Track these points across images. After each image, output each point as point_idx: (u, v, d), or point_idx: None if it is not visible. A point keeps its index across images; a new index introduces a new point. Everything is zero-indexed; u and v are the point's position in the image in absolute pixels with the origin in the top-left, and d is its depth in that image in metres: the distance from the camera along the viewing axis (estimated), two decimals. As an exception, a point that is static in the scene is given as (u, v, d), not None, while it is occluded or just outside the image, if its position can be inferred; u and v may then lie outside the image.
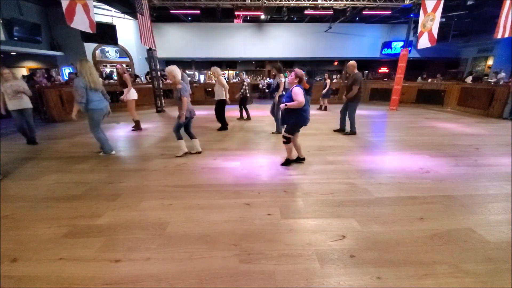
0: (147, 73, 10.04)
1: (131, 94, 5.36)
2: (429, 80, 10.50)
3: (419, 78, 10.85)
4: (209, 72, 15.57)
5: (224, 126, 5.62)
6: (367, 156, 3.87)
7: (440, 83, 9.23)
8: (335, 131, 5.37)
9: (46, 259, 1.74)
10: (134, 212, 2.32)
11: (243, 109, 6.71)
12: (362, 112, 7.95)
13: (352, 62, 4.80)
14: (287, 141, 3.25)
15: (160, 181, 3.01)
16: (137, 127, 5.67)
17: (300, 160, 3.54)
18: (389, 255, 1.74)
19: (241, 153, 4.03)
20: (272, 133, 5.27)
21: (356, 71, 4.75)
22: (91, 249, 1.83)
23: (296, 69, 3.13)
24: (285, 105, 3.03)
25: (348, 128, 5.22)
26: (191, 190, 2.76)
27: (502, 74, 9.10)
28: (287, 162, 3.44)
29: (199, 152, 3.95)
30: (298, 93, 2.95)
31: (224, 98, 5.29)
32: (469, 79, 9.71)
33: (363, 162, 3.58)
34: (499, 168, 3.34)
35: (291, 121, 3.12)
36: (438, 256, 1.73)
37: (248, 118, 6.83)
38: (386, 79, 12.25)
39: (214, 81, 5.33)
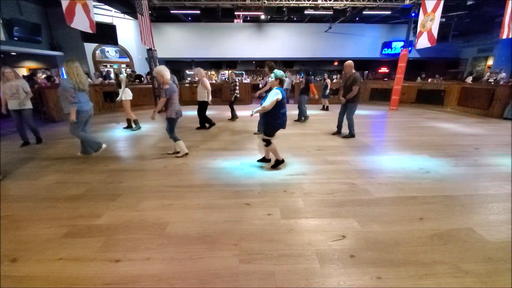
0: (147, 73, 10.05)
1: (127, 95, 5.38)
2: (429, 80, 10.50)
3: (418, 78, 10.86)
4: (209, 72, 15.58)
5: (203, 126, 5.69)
6: (367, 156, 3.87)
7: (440, 83, 9.24)
8: (334, 134, 5.15)
9: (46, 259, 1.74)
10: (134, 212, 2.32)
11: (231, 108, 6.69)
12: (362, 112, 7.95)
13: (350, 62, 4.66)
14: (267, 144, 3.19)
15: (160, 181, 3.01)
16: (129, 125, 5.71)
17: (265, 160, 3.50)
18: (389, 255, 1.74)
19: (241, 153, 4.02)
20: (255, 133, 5.26)
21: (353, 71, 4.66)
22: (91, 249, 1.83)
23: (275, 70, 3.10)
24: (252, 112, 3.03)
25: (344, 131, 5.00)
26: (191, 190, 2.75)
27: (503, 74, 9.10)
28: (276, 164, 3.34)
29: (178, 152, 3.86)
30: (270, 98, 2.92)
31: (206, 99, 5.26)
32: (469, 79, 9.71)
33: (363, 162, 3.58)
34: (499, 168, 3.34)
35: (268, 123, 3.08)
36: (438, 256, 1.73)
37: (234, 118, 6.80)
38: (386, 79, 12.26)
39: (214, 80, 5.34)
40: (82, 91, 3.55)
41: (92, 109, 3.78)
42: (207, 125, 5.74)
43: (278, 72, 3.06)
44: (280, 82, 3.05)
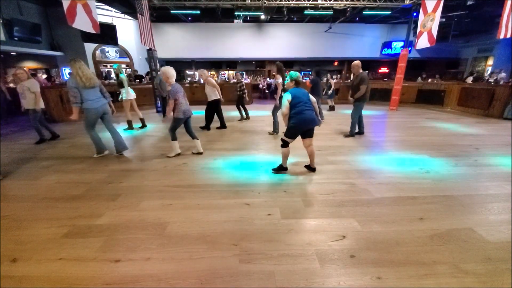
0: (147, 73, 10.05)
1: (128, 94, 5.39)
2: (429, 80, 10.51)
3: (419, 78, 10.86)
4: (209, 72, 15.59)
5: (207, 126, 5.69)
6: (367, 156, 3.87)
7: (440, 83, 9.23)
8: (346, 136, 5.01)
9: (46, 259, 1.74)
10: (134, 212, 2.32)
11: (243, 109, 6.73)
12: (362, 112, 7.92)
13: (357, 62, 4.66)
14: (283, 144, 3.07)
15: (160, 181, 3.01)
16: (130, 127, 5.73)
17: (310, 169, 3.24)
18: (389, 255, 1.74)
19: (241, 153, 4.02)
20: (270, 133, 5.28)
21: (361, 70, 4.71)
22: (91, 249, 1.83)
23: (291, 72, 3.07)
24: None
25: (346, 129, 5.06)
26: (191, 190, 2.75)
27: (503, 74, 9.09)
28: (279, 168, 3.19)
29: (200, 153, 3.95)
30: (282, 103, 2.91)
31: (217, 98, 5.31)
32: (469, 79, 9.71)
33: (363, 162, 3.58)
34: (499, 168, 3.34)
35: (289, 124, 3.01)
36: (438, 256, 1.73)
37: (247, 117, 6.90)
38: (386, 79, 12.26)
39: (214, 80, 5.37)
40: (91, 88, 3.44)
41: (103, 107, 3.65)
42: (216, 125, 5.74)
43: (294, 73, 3.04)
44: (296, 83, 3.02)
